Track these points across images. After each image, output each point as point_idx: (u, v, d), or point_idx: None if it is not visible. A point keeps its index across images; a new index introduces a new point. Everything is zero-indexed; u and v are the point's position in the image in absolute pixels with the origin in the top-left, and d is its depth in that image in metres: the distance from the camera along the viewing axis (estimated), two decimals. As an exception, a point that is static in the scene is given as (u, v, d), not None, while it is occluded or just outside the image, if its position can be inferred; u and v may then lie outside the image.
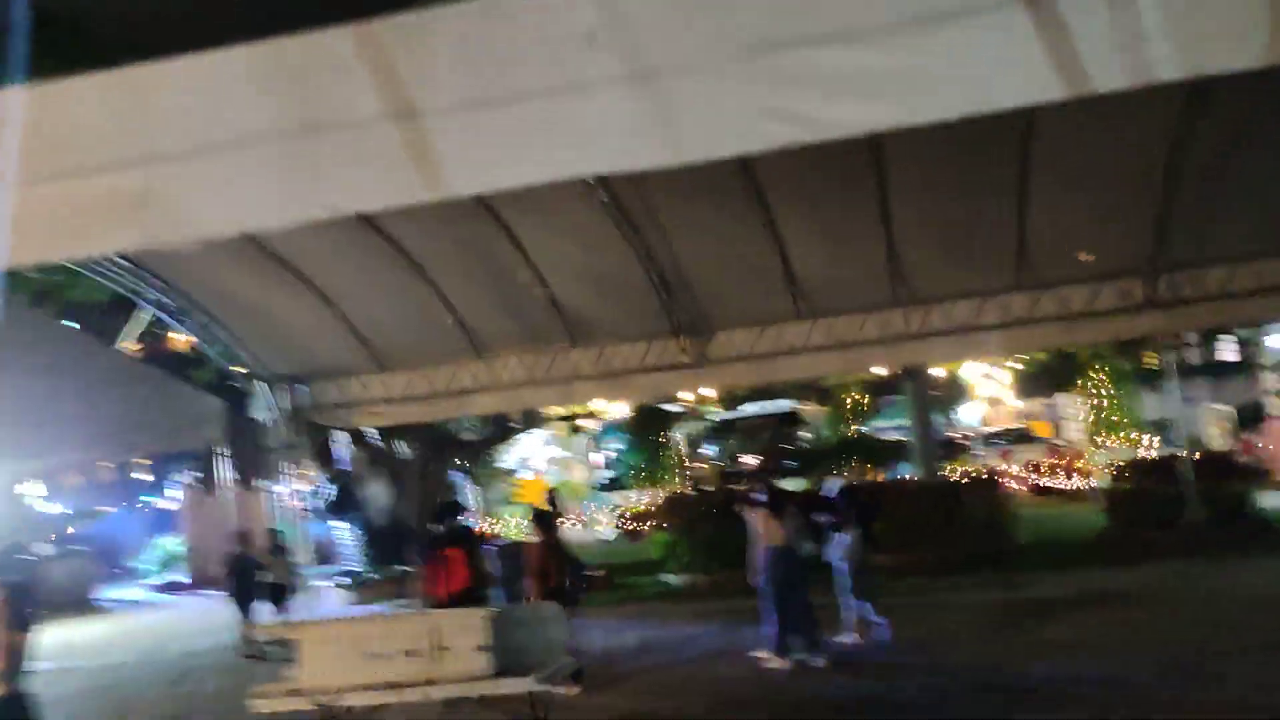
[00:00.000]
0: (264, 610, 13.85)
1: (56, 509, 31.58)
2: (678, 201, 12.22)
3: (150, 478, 32.09)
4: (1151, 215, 12.06)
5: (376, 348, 15.08)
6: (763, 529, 10.15)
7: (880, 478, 22.28)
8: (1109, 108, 10.32)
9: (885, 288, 13.43)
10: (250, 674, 9.98)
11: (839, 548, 10.72)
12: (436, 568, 9.79)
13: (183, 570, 24.89)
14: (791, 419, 27.71)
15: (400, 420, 16.11)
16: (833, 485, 11.90)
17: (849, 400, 25.68)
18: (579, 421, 25.58)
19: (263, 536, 15.50)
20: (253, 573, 14.07)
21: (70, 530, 30.85)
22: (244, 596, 13.91)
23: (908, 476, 20.87)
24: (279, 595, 14.19)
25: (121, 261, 13.09)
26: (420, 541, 15.50)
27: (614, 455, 27.73)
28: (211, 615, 18.07)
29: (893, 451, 23.80)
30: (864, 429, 26.03)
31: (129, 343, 24.67)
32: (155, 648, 15.79)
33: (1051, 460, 24.53)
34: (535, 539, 10.78)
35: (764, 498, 10.31)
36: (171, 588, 24.53)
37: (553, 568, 10.25)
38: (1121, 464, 17.23)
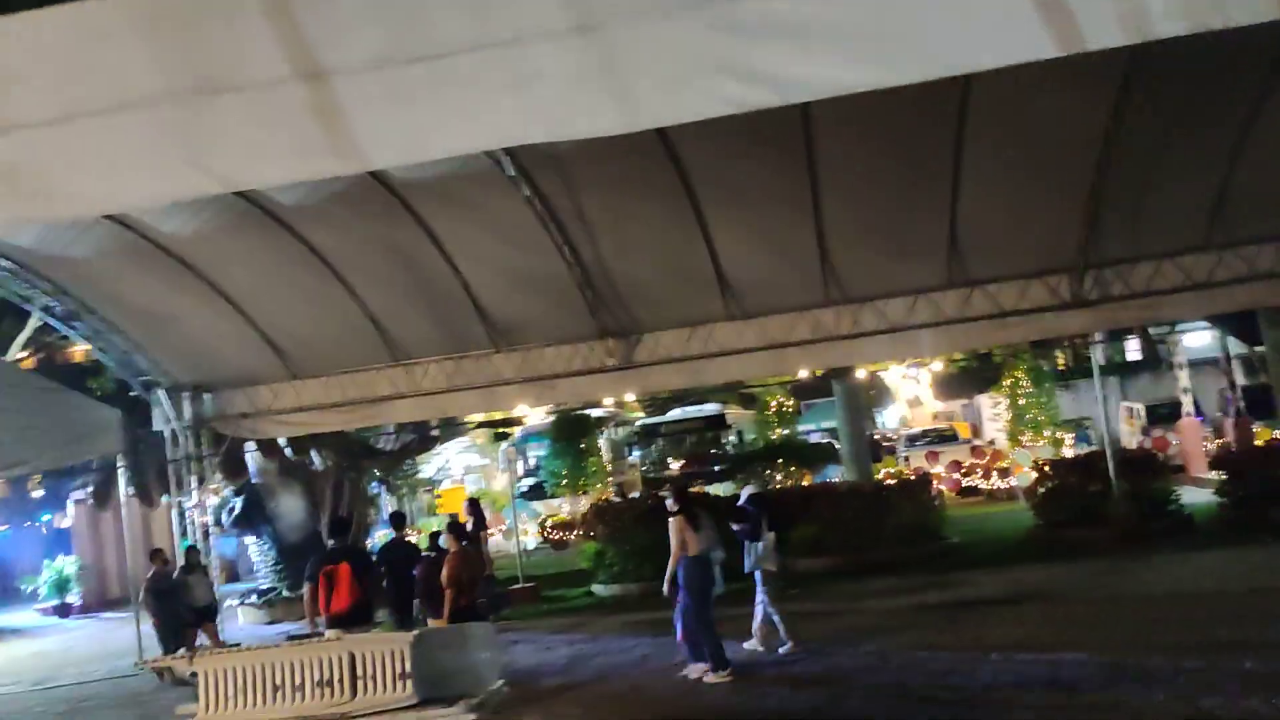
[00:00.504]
0: (190, 633, 12.94)
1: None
2: (604, 197, 11.79)
3: (43, 494, 30.54)
4: (1081, 210, 11.97)
5: (288, 354, 14.34)
6: (676, 539, 9.83)
7: (808, 481, 22.10)
8: (1044, 96, 10.20)
9: (817, 286, 13.14)
10: (147, 705, 9.23)
11: (751, 555, 10.61)
12: (324, 584, 9.26)
13: (77, 592, 23.59)
14: (718, 423, 27.42)
15: (314, 429, 15.36)
16: (744, 493, 11.61)
17: (775, 403, 25.49)
18: (500, 428, 24.93)
19: (174, 555, 14.59)
20: (177, 593, 13.09)
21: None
22: (169, 619, 12.91)
23: (836, 479, 20.75)
24: (206, 615, 13.31)
25: (5, 262, 12.15)
26: (310, 557, 14.86)
27: (536, 462, 27.17)
28: (107, 640, 17.11)
29: (821, 454, 23.68)
30: (790, 432, 25.88)
31: (18, 351, 23.41)
32: (47, 675, 14.77)
33: (975, 460, 24.67)
34: (450, 551, 10.31)
35: (677, 506, 9.94)
36: (65, 610, 23.25)
37: (465, 581, 9.83)
38: (1044, 462, 17.25)
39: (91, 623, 21.42)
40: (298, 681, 5.59)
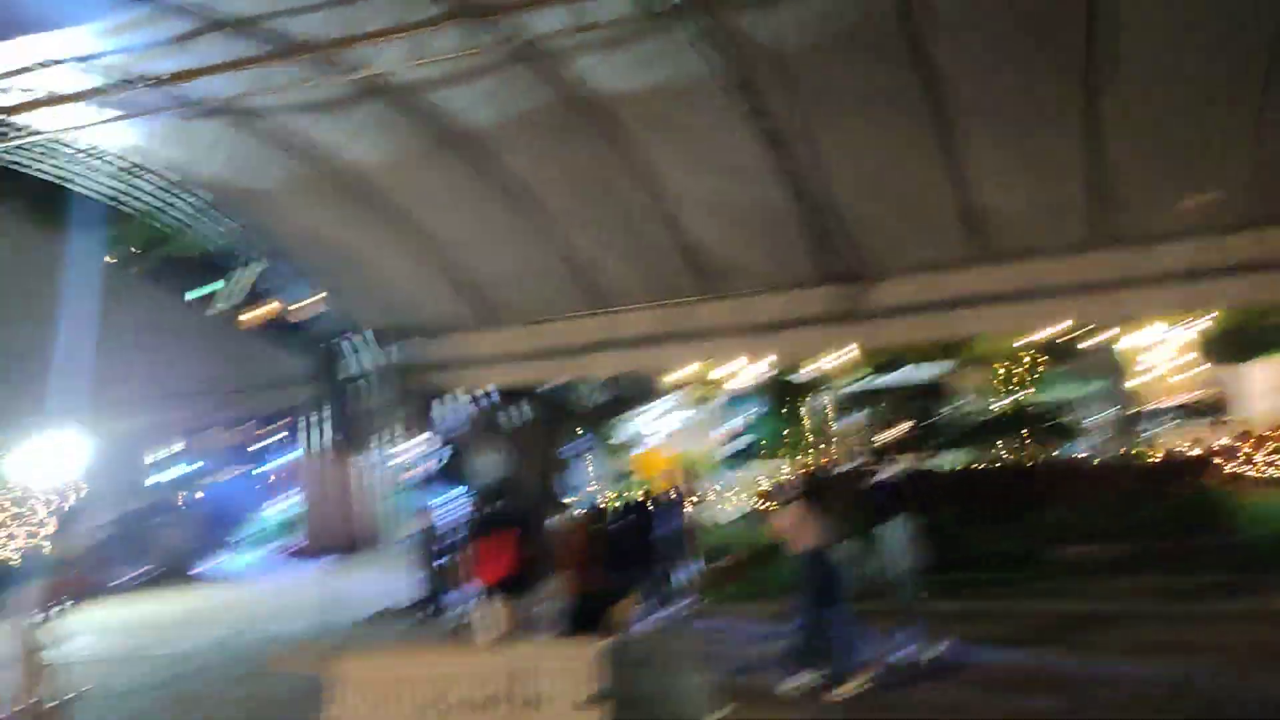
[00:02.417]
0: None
1: (173, 473, 31.36)
2: (836, 114, 10.06)
3: (264, 443, 31.69)
4: None
5: (482, 300, 13.36)
6: (793, 528, 8.36)
7: (1047, 455, 19.65)
8: None
9: (1085, 223, 10.98)
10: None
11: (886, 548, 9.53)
12: (486, 549, 8.92)
13: (295, 539, 24.00)
14: (940, 388, 25.09)
15: (510, 381, 14.37)
16: (887, 469, 9.88)
17: (1009, 367, 22.89)
18: (707, 386, 23.57)
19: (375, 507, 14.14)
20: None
21: (182, 497, 30.53)
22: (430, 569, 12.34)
23: (1084, 454, 18.32)
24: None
25: (193, 199, 11.63)
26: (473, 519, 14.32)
27: (743, 425, 25.70)
28: (320, 587, 16.90)
29: (1063, 425, 21.08)
30: (1026, 399, 23.23)
31: (221, 302, 23.88)
32: (244, 627, 14.55)
33: (1243, 439, 21.38)
34: (572, 526, 9.13)
35: (799, 490, 8.47)
36: (285, 556, 23.70)
37: (587, 560, 8.68)
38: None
39: (307, 569, 21.62)
40: (450, 700, 4.38)
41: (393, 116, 10.50)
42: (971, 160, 10.41)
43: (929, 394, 25.42)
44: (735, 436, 25.37)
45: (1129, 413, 23.33)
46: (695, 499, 13.07)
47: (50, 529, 20.87)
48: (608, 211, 11.71)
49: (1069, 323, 14.41)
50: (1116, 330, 17.94)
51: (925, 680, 8.51)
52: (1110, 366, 20.81)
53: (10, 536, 19.55)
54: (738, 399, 24.76)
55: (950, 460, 17.86)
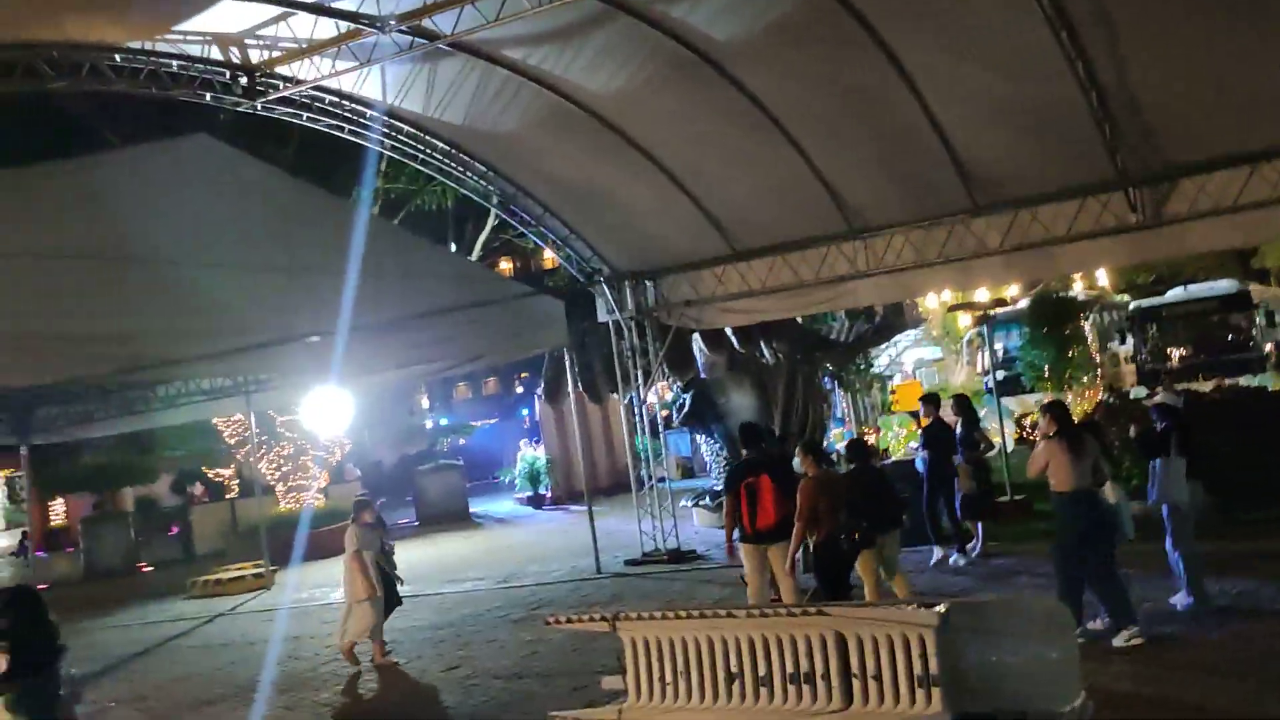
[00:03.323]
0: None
1: (435, 422, 32.76)
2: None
3: (521, 390, 32.55)
4: None
5: (731, 231, 12.69)
6: (1049, 466, 7.58)
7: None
8: None
9: None
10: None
11: (1155, 485, 8.31)
12: (745, 497, 8.47)
13: (547, 485, 24.41)
14: (1238, 302, 22.24)
15: (762, 316, 13.67)
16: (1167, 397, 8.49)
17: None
18: (971, 310, 21.90)
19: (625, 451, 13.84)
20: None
21: (445, 444, 31.88)
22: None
23: None
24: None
25: (439, 144, 11.51)
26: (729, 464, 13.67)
27: (1007, 352, 23.84)
28: (569, 535, 16.97)
29: None
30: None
31: (469, 252, 24.37)
32: (513, 571, 14.69)
33: None
34: (807, 475, 8.27)
35: (1054, 427, 7.65)
36: (538, 501, 24.16)
37: (823, 512, 7.84)
38: None
39: (560, 515, 21.91)
40: (761, 672, 3.74)
41: (631, 42, 9.91)
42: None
43: (1228, 308, 22.59)
44: (1003, 365, 23.64)
45: None
46: (965, 434, 11.88)
47: (325, 481, 22.09)
48: (864, 126, 10.71)
49: None
50: None
51: (1208, 627, 7.28)
52: None
53: (293, 488, 20.78)
54: (1006, 323, 22.93)
55: (1256, 381, 15.69)
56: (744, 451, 9.28)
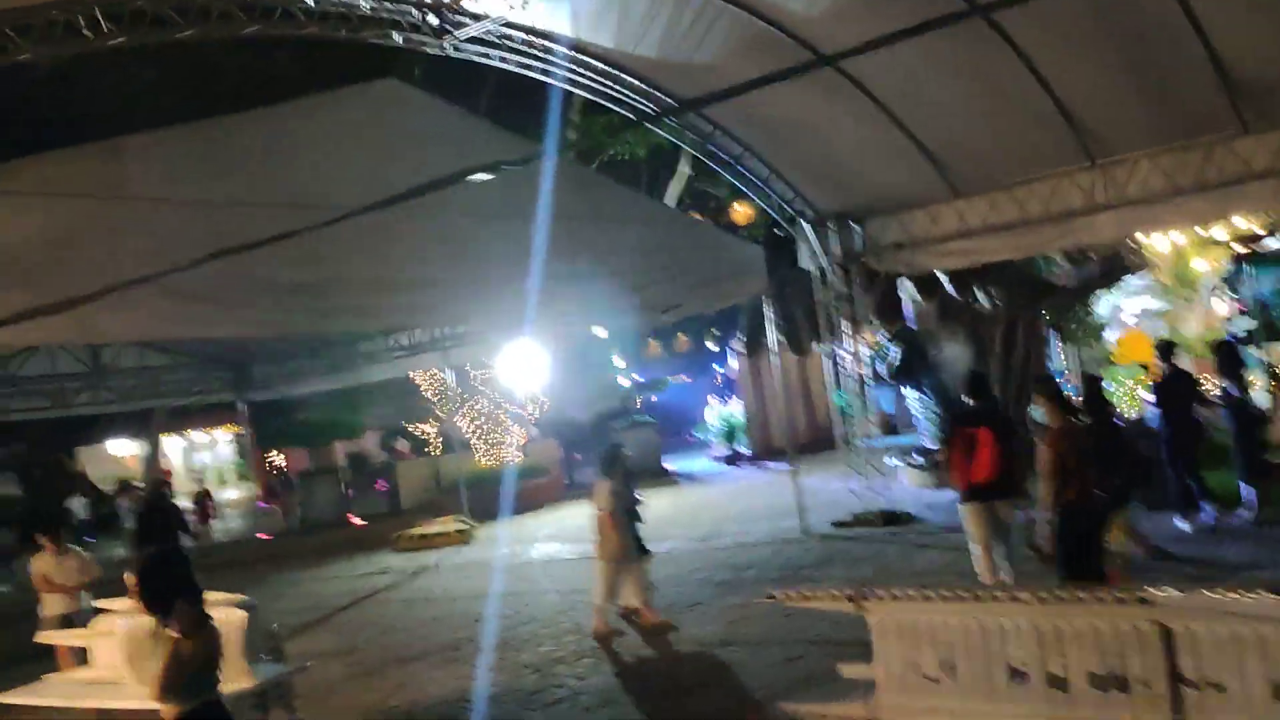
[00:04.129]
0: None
1: (631, 378, 32.59)
2: None
3: (717, 346, 31.92)
4: None
5: (947, 167, 11.57)
6: None
7: None
8: None
9: None
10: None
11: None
12: (962, 449, 7.89)
13: (744, 442, 23.76)
14: None
15: (981, 258, 12.49)
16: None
17: None
18: (1215, 250, 19.71)
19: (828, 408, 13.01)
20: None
21: (640, 401, 31.65)
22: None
23: None
24: None
25: (628, 78, 10.90)
26: (950, 416, 12.45)
27: (1257, 299, 21.39)
28: (770, 494, 16.27)
29: None
30: None
31: (666, 199, 23.72)
32: (712, 530, 14.16)
33: None
34: (1052, 427, 7.10)
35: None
36: (734, 459, 23.55)
37: (1074, 468, 6.68)
38: None
39: (757, 473, 21.25)
40: (1055, 670, 2.95)
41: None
42: None
43: None
44: (1245, 312, 21.25)
45: None
46: (1211, 388, 10.46)
47: (521, 439, 22.14)
48: (1105, 29, 9.38)
49: None
50: None
51: None
52: None
53: (493, 445, 20.94)
54: (1259, 263, 20.54)
55: None
56: (959, 404, 8.49)
